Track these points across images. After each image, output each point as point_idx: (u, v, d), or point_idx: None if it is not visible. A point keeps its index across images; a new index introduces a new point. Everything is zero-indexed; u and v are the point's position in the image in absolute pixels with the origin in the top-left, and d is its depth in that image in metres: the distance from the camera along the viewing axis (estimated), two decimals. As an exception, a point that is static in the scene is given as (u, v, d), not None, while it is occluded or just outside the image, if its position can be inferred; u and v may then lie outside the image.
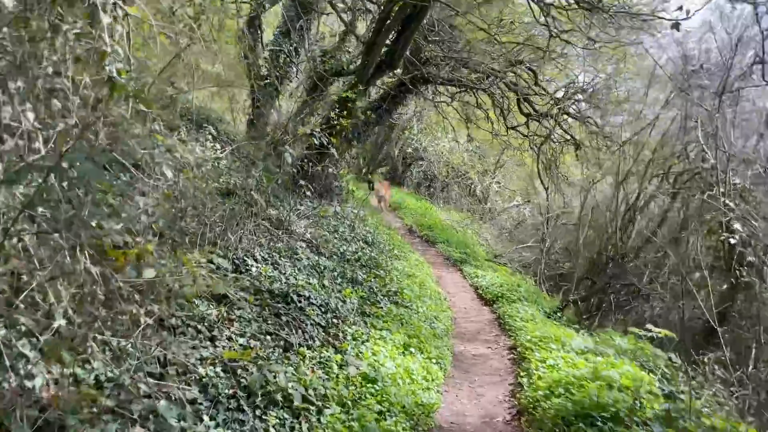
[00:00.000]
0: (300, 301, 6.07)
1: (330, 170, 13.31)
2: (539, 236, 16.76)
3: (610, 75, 13.51)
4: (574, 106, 15.14)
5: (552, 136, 14.38)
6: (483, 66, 13.35)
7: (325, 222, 10.52)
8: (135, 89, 3.36)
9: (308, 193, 9.46)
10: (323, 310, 6.16)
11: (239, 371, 4.40)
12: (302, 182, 9.18)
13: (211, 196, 6.84)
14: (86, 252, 2.92)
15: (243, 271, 6.34)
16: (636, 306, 9.24)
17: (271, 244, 7.77)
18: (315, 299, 6.21)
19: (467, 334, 8.38)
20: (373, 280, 8.44)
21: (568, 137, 15.58)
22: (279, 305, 5.85)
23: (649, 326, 6.63)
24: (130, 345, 3.56)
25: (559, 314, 9.39)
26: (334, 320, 6.13)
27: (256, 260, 6.78)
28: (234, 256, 6.44)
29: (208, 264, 5.12)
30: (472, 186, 23.90)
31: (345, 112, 11.94)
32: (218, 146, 11.40)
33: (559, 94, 15.05)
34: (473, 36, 13.61)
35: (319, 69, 15.41)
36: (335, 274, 7.75)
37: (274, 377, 4.40)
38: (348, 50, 16.50)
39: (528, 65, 14.48)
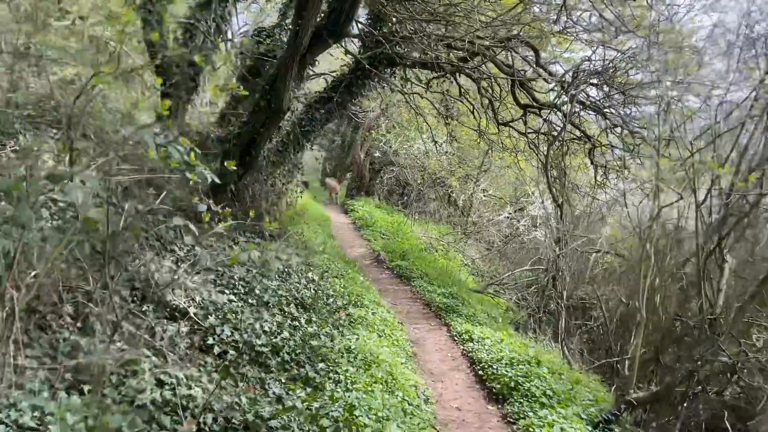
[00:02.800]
0: None
1: (258, 187, 9.52)
2: (543, 262, 13.18)
3: (641, 47, 9.91)
4: (585, 94, 11.55)
5: (561, 134, 10.72)
6: (468, 38, 9.64)
7: (238, 274, 6.72)
8: None
9: (186, 240, 5.64)
10: None
11: None
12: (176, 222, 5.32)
13: None
14: None
15: None
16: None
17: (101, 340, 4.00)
18: None
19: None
20: (298, 401, 4.63)
21: (579, 134, 12.02)
22: None
23: None
24: None
25: (613, 426, 5.74)
26: None
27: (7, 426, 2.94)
28: None
29: None
30: (452, 195, 20.23)
31: (267, 104, 8.17)
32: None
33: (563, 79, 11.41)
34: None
35: (253, 50, 11.62)
36: (216, 420, 3.89)
37: None
38: (290, 28, 12.56)
39: (527, 39, 10.82)
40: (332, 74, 11.39)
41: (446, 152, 18.11)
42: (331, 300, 7.73)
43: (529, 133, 12.47)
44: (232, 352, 5.06)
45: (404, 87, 12.00)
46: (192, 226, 5.49)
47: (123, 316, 5.01)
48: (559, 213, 9.90)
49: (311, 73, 14.46)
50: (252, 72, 11.12)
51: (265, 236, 9.03)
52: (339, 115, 10.94)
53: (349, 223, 17.55)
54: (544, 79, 11.04)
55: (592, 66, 10.74)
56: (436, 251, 15.97)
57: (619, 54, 10.52)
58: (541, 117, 12.40)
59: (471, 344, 8.00)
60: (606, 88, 11.09)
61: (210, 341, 5.07)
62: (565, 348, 8.20)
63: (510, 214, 18.64)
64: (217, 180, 4.18)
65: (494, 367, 7.06)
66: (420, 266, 12.23)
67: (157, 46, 10.35)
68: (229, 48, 12.44)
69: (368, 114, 19.80)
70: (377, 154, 20.83)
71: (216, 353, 4.99)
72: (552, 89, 11.26)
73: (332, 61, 13.52)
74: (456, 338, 8.43)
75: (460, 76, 12.03)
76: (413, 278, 11.42)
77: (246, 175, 8.83)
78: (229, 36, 12.96)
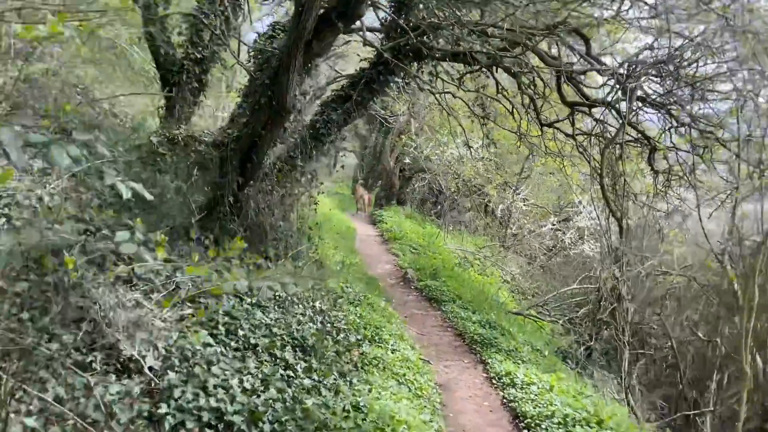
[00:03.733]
0: None
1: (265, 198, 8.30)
2: (592, 280, 11.61)
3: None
4: (643, 88, 9.96)
5: (619, 135, 9.17)
6: (507, 25, 8.22)
7: (225, 307, 5.45)
8: None
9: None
10: None
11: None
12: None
13: None
14: None
15: None
16: None
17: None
18: None
19: None
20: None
21: (636, 135, 10.43)
22: None
23: None
24: None
25: None
26: None
27: None
28: None
29: None
30: (489, 204, 18.70)
31: (268, 102, 6.94)
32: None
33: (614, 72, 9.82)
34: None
35: (265, 48, 10.40)
36: None
37: None
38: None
39: (576, 27, 9.33)
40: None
41: (482, 157, 16.63)
42: (342, 335, 6.40)
43: (577, 134, 10.95)
44: (191, 425, 3.77)
45: (434, 84, 10.62)
46: (147, 255, 4.24)
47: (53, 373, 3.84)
48: (618, 229, 8.34)
49: (337, 73, 13.24)
50: (264, 69, 9.97)
51: (269, 256, 7.78)
52: (358, 115, 9.64)
53: (377, 235, 16.23)
54: (597, 71, 9.51)
55: (654, 55, 9.18)
56: (472, 266, 14.52)
57: (687, 41, 8.93)
58: (592, 117, 10.89)
59: (513, 390, 6.55)
60: (669, 82, 9.51)
61: (163, 409, 3.80)
62: (630, 396, 6.68)
63: (554, 224, 17.00)
64: (146, 194, 2.92)
65: (544, 426, 5.60)
66: (453, 286, 10.81)
67: (159, 42, 9.32)
68: (238, 45, 11.33)
69: (398, 118, 18.52)
70: (407, 160, 19.48)
71: (168, 427, 3.71)
72: (605, 83, 9.71)
73: (358, 63, 12.26)
74: (494, 381, 6.99)
75: (497, 70, 10.60)
76: (444, 301, 10.01)
77: (247, 184, 7.61)
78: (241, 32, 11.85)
